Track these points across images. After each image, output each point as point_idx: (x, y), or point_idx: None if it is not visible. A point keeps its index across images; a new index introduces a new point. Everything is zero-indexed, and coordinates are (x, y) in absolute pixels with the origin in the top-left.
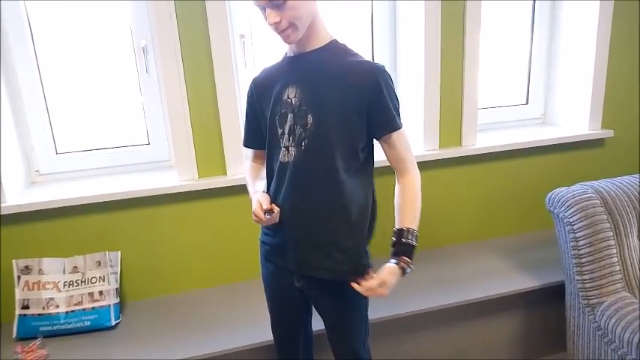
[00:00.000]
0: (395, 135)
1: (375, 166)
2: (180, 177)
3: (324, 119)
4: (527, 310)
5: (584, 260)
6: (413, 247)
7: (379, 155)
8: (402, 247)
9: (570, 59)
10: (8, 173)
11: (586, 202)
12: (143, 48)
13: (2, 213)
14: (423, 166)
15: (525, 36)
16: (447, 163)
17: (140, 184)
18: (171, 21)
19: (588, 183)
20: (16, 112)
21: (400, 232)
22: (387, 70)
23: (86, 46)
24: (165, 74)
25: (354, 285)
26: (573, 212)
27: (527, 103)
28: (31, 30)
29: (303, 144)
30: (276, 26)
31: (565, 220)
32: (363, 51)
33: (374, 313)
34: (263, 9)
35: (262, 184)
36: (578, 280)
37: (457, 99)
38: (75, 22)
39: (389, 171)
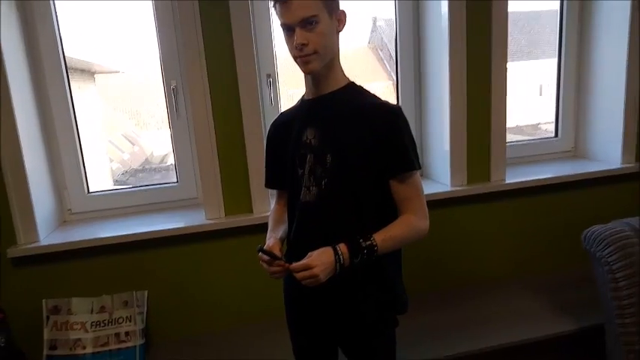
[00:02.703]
0: (407, 175)
1: None
2: (208, 215)
3: (343, 158)
4: (564, 356)
5: (625, 302)
6: (362, 250)
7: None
8: (353, 242)
9: (600, 90)
10: (42, 212)
11: (625, 241)
12: (173, 89)
13: (35, 253)
14: (451, 202)
15: (553, 66)
16: (476, 199)
17: (168, 223)
18: (201, 63)
19: (625, 220)
20: (51, 152)
21: (364, 236)
22: (402, 111)
23: (119, 85)
24: (194, 114)
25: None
26: (611, 251)
27: (556, 136)
28: (66, 69)
29: (323, 183)
30: (301, 48)
31: (603, 260)
32: (387, 88)
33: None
34: (291, 30)
35: (283, 228)
36: (619, 323)
37: (484, 133)
38: (109, 62)
39: (430, 205)
